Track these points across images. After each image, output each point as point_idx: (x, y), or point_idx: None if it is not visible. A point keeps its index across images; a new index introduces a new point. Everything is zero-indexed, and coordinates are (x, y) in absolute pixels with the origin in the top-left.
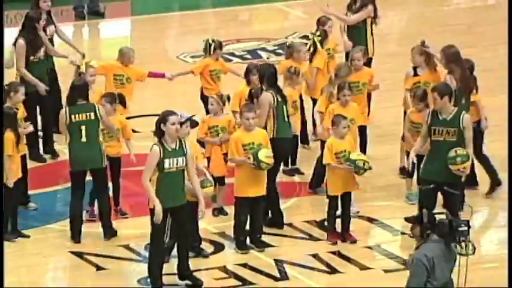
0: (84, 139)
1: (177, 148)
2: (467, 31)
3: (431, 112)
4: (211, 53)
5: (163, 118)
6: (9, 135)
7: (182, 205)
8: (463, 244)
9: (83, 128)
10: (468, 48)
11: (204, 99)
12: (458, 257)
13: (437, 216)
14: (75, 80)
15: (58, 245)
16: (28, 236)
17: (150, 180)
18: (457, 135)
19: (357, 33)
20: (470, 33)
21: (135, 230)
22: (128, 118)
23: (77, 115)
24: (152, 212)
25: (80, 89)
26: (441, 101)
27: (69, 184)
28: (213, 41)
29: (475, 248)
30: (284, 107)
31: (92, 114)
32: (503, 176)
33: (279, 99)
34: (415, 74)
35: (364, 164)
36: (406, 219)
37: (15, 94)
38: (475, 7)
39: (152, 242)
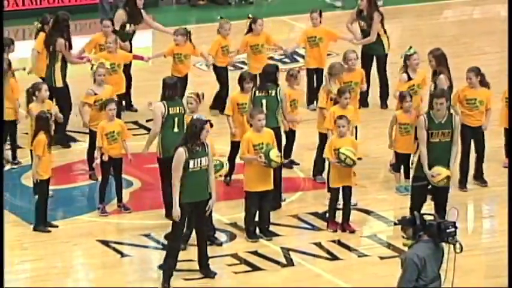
0: (176, 129)
1: (199, 149)
2: (455, 42)
3: (426, 117)
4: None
5: (201, 126)
6: (41, 138)
7: (204, 200)
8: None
9: (176, 119)
10: (456, 57)
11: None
12: (446, 254)
13: (427, 218)
14: (167, 78)
15: (86, 234)
16: (57, 226)
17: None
18: (450, 136)
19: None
20: (458, 44)
21: (155, 220)
22: (148, 120)
23: (172, 108)
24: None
25: (174, 86)
26: (446, 105)
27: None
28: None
29: (462, 247)
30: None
31: (182, 108)
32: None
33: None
34: (409, 79)
35: (345, 158)
36: (399, 222)
37: (39, 92)
38: (462, 20)
39: (172, 233)
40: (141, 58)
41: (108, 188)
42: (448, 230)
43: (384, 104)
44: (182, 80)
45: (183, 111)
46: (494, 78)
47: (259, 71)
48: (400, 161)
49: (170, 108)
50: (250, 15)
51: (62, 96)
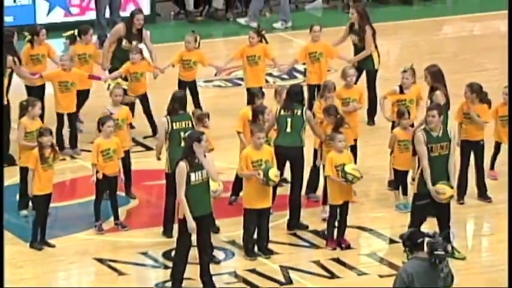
0: (183, 144)
1: (199, 162)
2: (454, 58)
3: (424, 132)
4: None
5: (198, 138)
6: (34, 152)
7: (207, 214)
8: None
9: (182, 134)
10: (455, 74)
11: None
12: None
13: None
14: (176, 92)
15: (82, 252)
16: (53, 246)
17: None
18: (447, 149)
19: (362, 51)
20: (457, 60)
21: (152, 239)
22: (146, 137)
23: (177, 123)
24: (181, 221)
25: (180, 100)
26: (438, 120)
27: (90, 197)
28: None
29: (452, 277)
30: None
31: (189, 122)
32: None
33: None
34: (401, 92)
35: (352, 178)
36: (400, 237)
37: (32, 108)
38: (461, 36)
39: (177, 250)
40: (98, 78)
41: (107, 206)
42: (435, 252)
43: (370, 121)
44: (141, 98)
45: (190, 125)
46: (494, 94)
47: (257, 84)
48: (399, 178)
49: (174, 124)
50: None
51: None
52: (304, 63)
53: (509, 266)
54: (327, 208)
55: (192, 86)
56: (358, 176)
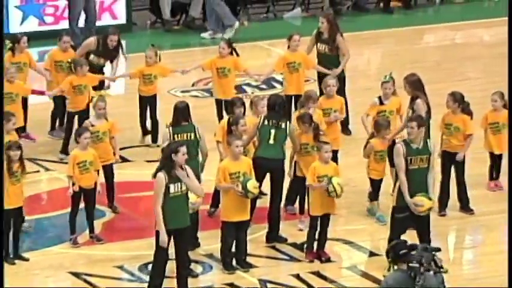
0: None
1: (181, 170)
2: (436, 68)
3: (404, 144)
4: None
5: (175, 149)
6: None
7: (185, 227)
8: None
9: None
10: (437, 83)
11: None
12: None
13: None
14: (178, 103)
15: (57, 266)
16: (27, 259)
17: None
18: (428, 161)
19: (332, 60)
20: (440, 69)
21: (128, 252)
22: (122, 148)
23: (179, 135)
24: (157, 233)
25: (183, 111)
26: (417, 131)
27: (66, 209)
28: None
29: None
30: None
31: (192, 134)
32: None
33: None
34: (381, 104)
35: (331, 192)
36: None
37: (7, 123)
38: (443, 45)
39: (154, 264)
40: (42, 93)
41: (82, 218)
42: (410, 264)
43: (346, 130)
44: (82, 112)
45: (192, 137)
46: (477, 104)
47: (225, 96)
48: (376, 188)
49: (176, 135)
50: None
51: None
52: (281, 73)
53: (509, 266)
54: (303, 218)
55: (152, 100)
56: (338, 193)
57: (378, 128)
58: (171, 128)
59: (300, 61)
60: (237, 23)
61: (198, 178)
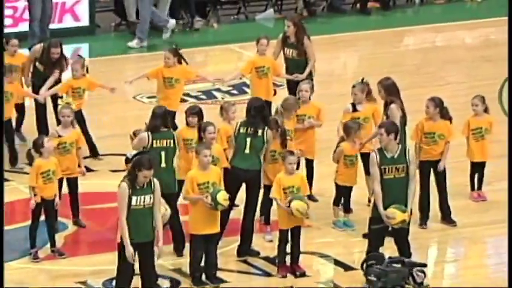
0: (163, 164)
1: (145, 186)
2: (416, 72)
3: (378, 152)
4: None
5: (138, 165)
6: None
7: (149, 241)
8: None
9: (163, 153)
10: (417, 88)
11: None
12: None
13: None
14: (156, 108)
15: (17, 282)
16: None
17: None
18: (405, 171)
19: (301, 65)
20: (420, 73)
21: (91, 267)
22: (85, 158)
23: (158, 141)
24: (120, 246)
25: (162, 117)
26: (387, 138)
27: (27, 222)
28: None
29: None
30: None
31: (171, 141)
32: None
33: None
34: (354, 110)
35: (297, 211)
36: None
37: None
38: (423, 48)
39: (118, 279)
40: None
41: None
42: (368, 277)
43: None
44: (7, 121)
45: (171, 144)
46: (459, 110)
47: (171, 107)
48: (341, 194)
49: (154, 141)
50: (174, 45)
51: None
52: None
53: (509, 266)
54: (269, 229)
55: (79, 115)
56: (303, 213)
57: (347, 131)
58: (150, 133)
59: (269, 66)
60: (172, 22)
61: (173, 187)
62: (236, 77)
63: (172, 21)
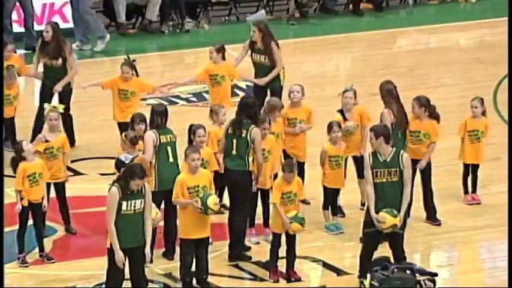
0: (171, 159)
1: (135, 191)
2: (409, 74)
3: (371, 155)
4: None
5: (131, 174)
6: None
7: (139, 246)
8: None
9: (169, 149)
10: (410, 90)
11: None
12: None
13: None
14: (156, 106)
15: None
16: None
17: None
18: (399, 175)
19: (269, 70)
20: (412, 75)
21: (81, 271)
22: (74, 161)
23: (163, 137)
24: (109, 250)
25: (163, 114)
26: (376, 142)
27: (13, 227)
28: None
29: None
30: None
31: (173, 136)
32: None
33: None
34: (343, 118)
35: (292, 231)
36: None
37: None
38: (416, 50)
39: (108, 284)
40: None
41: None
42: (372, 282)
43: None
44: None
45: (174, 140)
46: (452, 113)
47: (125, 119)
48: (330, 196)
49: (161, 137)
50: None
51: None
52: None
53: (509, 266)
54: (253, 231)
55: (9, 123)
56: (301, 229)
57: (328, 130)
58: (155, 130)
59: (224, 74)
60: (108, 36)
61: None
62: (187, 82)
63: (108, 35)
